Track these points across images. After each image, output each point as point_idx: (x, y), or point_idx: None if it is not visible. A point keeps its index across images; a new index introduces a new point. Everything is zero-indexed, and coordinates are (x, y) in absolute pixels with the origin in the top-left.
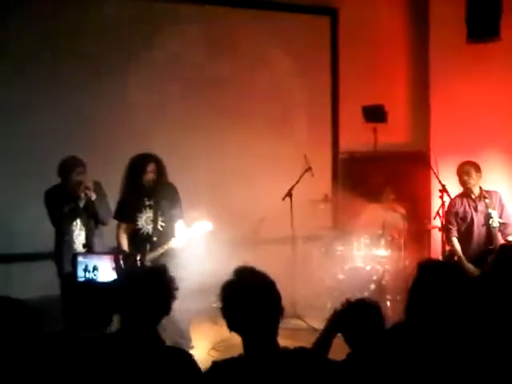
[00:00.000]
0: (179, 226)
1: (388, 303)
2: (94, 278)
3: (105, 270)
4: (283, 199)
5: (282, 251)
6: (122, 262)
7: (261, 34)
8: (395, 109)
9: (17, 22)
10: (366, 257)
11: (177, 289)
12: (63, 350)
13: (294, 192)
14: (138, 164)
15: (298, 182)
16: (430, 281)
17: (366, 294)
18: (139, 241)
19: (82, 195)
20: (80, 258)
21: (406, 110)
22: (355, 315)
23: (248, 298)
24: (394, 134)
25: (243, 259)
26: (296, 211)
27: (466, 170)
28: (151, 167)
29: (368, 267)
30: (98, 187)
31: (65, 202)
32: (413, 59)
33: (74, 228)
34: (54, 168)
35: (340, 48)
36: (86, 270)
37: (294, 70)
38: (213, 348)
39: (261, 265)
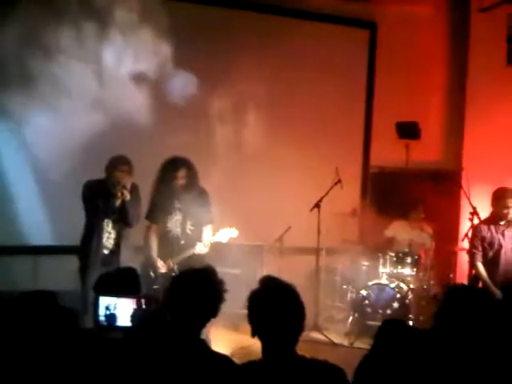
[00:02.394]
0: (207, 230)
1: (411, 323)
2: (114, 317)
3: (125, 313)
4: (311, 210)
5: (306, 262)
6: (144, 305)
7: (298, 45)
8: (429, 126)
9: None
10: (391, 274)
11: (226, 291)
12: (102, 348)
13: (322, 204)
14: (171, 168)
15: (327, 193)
16: (457, 305)
17: (388, 312)
18: (167, 243)
19: (119, 194)
20: (101, 299)
21: (440, 129)
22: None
23: (273, 306)
24: (427, 152)
25: (267, 267)
26: (323, 223)
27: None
28: (183, 172)
29: (392, 285)
30: (134, 190)
31: (100, 198)
32: (450, 78)
33: (104, 225)
34: (83, 163)
35: (377, 62)
36: (108, 309)
37: (330, 81)
38: (232, 355)
39: (284, 274)
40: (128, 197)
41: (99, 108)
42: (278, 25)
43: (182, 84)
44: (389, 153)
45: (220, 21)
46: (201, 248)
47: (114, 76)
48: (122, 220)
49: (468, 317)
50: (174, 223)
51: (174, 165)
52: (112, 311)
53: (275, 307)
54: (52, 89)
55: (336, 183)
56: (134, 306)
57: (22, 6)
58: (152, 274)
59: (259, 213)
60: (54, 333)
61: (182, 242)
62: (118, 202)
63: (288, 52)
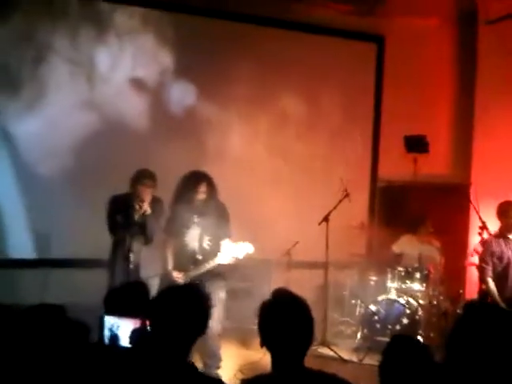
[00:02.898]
0: (225, 245)
1: (420, 339)
2: (117, 338)
3: (126, 333)
4: (319, 224)
5: (314, 276)
6: (147, 328)
7: (305, 58)
8: (437, 140)
9: None
10: (400, 289)
11: (212, 307)
12: (96, 362)
13: (330, 217)
14: (191, 183)
15: (335, 207)
16: (476, 322)
17: (398, 328)
18: (184, 257)
19: (137, 207)
20: (106, 319)
21: (449, 142)
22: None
23: (283, 317)
24: (435, 166)
25: (275, 281)
26: (331, 237)
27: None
28: (203, 188)
29: (402, 300)
30: (156, 204)
31: (121, 211)
32: (458, 91)
33: (127, 239)
34: (99, 177)
35: (385, 76)
36: (111, 330)
37: (338, 95)
38: (240, 370)
39: (292, 288)
40: (149, 211)
41: (96, 115)
42: (283, 38)
43: (181, 95)
44: (397, 166)
45: (222, 35)
46: (219, 260)
47: (109, 81)
48: (142, 234)
49: (487, 332)
50: (192, 237)
51: (194, 179)
52: (115, 332)
53: (286, 319)
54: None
55: (344, 197)
56: (136, 326)
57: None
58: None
59: (267, 227)
60: (62, 346)
61: (200, 256)
62: (136, 216)
63: (295, 66)
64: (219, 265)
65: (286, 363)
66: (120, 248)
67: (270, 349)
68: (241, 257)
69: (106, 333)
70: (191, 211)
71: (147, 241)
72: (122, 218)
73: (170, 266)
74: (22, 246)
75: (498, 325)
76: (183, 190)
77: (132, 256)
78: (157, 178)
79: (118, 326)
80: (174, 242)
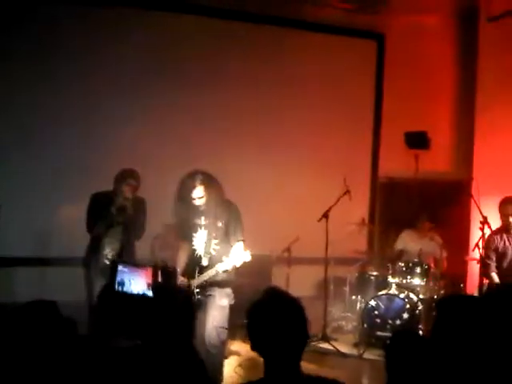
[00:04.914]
0: (236, 248)
1: (420, 333)
2: (129, 289)
3: (139, 283)
4: (319, 220)
5: (314, 272)
6: (160, 277)
7: (305, 56)
8: (438, 136)
9: None
10: (401, 284)
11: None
12: (92, 357)
13: (330, 214)
14: (187, 184)
15: (335, 204)
16: (450, 318)
17: (398, 323)
18: (191, 263)
19: (120, 206)
20: (120, 267)
21: (450, 139)
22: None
23: (274, 319)
24: (436, 162)
25: (275, 277)
26: (332, 233)
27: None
28: (199, 189)
29: (402, 295)
30: (139, 203)
31: (103, 210)
32: (459, 87)
33: (107, 237)
34: (93, 176)
35: (385, 72)
36: (121, 281)
37: (338, 92)
38: (239, 365)
39: (292, 284)
40: (131, 210)
41: None
42: (283, 36)
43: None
44: (398, 163)
45: (223, 33)
46: (221, 267)
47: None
48: (125, 233)
49: (462, 326)
50: (199, 241)
51: (190, 180)
52: (124, 279)
53: (276, 320)
54: None
55: (344, 193)
56: (150, 277)
57: None
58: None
59: (267, 223)
60: (51, 341)
61: (205, 263)
62: (118, 215)
63: (294, 63)
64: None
65: (280, 368)
66: (97, 246)
67: (262, 353)
68: (238, 265)
69: (118, 281)
70: (196, 214)
71: (132, 239)
72: (105, 216)
73: (180, 269)
74: (18, 244)
75: (469, 316)
76: (181, 193)
77: (110, 254)
78: (140, 178)
79: (130, 274)
80: (187, 247)
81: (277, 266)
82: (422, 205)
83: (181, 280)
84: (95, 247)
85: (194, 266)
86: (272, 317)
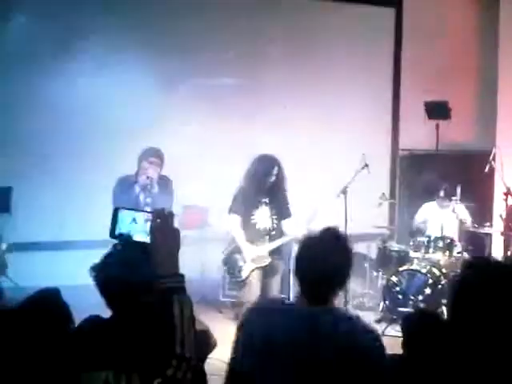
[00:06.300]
0: (287, 223)
1: (444, 309)
2: (130, 232)
3: (141, 227)
4: (338, 196)
5: None
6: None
7: (323, 25)
8: (460, 106)
9: None
10: (423, 259)
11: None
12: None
13: (349, 189)
14: (266, 166)
15: (352, 179)
16: (478, 280)
17: (420, 298)
18: (254, 234)
19: (142, 183)
20: (121, 212)
21: (471, 108)
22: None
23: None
24: (458, 132)
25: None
26: (350, 209)
27: None
28: (276, 170)
29: (424, 270)
30: (164, 181)
31: (127, 190)
32: (481, 56)
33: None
34: (106, 161)
35: (404, 41)
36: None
37: (356, 62)
38: None
39: None
40: (156, 188)
41: None
42: (300, 6)
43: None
44: (418, 134)
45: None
46: (285, 239)
47: None
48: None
49: (490, 290)
50: (261, 216)
51: (269, 162)
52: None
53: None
54: None
55: (363, 168)
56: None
57: None
58: (242, 261)
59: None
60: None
61: (272, 232)
62: (142, 194)
63: (312, 33)
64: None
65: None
66: None
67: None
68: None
69: (122, 223)
70: (261, 192)
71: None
72: (128, 198)
73: (243, 240)
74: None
75: (499, 281)
76: (256, 172)
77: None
78: (163, 156)
79: (134, 219)
80: (240, 221)
81: (297, 244)
82: (443, 176)
83: (251, 251)
84: None
85: (258, 236)
86: (321, 249)
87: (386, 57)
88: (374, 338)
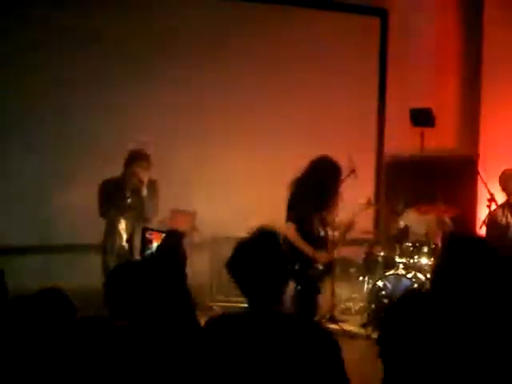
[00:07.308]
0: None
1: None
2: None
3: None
4: None
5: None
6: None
7: (308, 34)
8: (444, 113)
9: None
10: (408, 264)
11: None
12: (97, 337)
13: None
14: (338, 174)
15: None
16: (457, 256)
17: None
18: (313, 243)
19: (134, 188)
20: (147, 235)
21: (456, 115)
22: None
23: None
24: (442, 139)
25: None
26: (339, 214)
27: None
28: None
29: (409, 275)
30: (152, 185)
31: (115, 195)
32: (465, 63)
33: (121, 221)
34: (99, 163)
35: (389, 49)
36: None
37: (341, 69)
38: None
39: None
40: (145, 192)
41: None
42: (284, 14)
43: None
44: (403, 141)
45: (221, 12)
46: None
47: None
48: (140, 216)
49: (470, 266)
50: (319, 223)
51: (339, 170)
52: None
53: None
54: None
55: (350, 173)
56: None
57: None
58: (319, 266)
59: (270, 203)
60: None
61: (326, 240)
62: (131, 197)
63: (297, 41)
64: None
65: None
66: (111, 230)
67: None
68: None
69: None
70: (323, 198)
71: (147, 221)
72: (117, 201)
73: (310, 248)
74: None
75: (477, 257)
76: (330, 179)
77: (125, 237)
78: (151, 160)
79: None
80: (297, 228)
81: None
82: (428, 183)
83: (322, 256)
84: (110, 232)
85: (318, 245)
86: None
87: (372, 64)
88: (326, 336)
